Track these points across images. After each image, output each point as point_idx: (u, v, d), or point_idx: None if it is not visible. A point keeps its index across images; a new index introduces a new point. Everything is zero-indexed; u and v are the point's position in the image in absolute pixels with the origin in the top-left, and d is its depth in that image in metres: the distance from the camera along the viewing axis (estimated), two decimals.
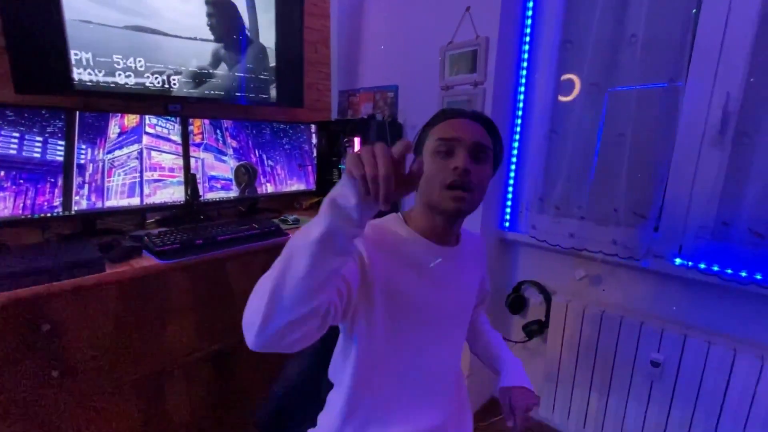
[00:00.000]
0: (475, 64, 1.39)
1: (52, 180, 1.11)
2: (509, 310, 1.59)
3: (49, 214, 1.12)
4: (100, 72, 1.19)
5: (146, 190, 1.30)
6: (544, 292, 1.50)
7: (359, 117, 1.77)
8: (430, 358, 0.72)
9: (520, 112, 1.51)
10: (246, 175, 1.55)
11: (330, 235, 0.47)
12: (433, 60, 1.51)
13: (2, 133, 1.01)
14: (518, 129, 1.53)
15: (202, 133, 1.41)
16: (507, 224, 1.60)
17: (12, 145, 1.03)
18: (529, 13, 1.43)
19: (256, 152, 1.56)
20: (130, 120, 1.24)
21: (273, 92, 1.62)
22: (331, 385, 0.75)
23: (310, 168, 1.76)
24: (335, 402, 0.71)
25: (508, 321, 1.67)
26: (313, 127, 1.73)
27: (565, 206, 1.38)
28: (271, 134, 1.59)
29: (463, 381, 0.86)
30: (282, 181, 1.67)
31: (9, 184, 1.04)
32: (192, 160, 1.39)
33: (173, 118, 1.33)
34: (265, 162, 1.60)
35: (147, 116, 1.27)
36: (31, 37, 1.06)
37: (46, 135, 1.09)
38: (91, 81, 1.18)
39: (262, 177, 1.59)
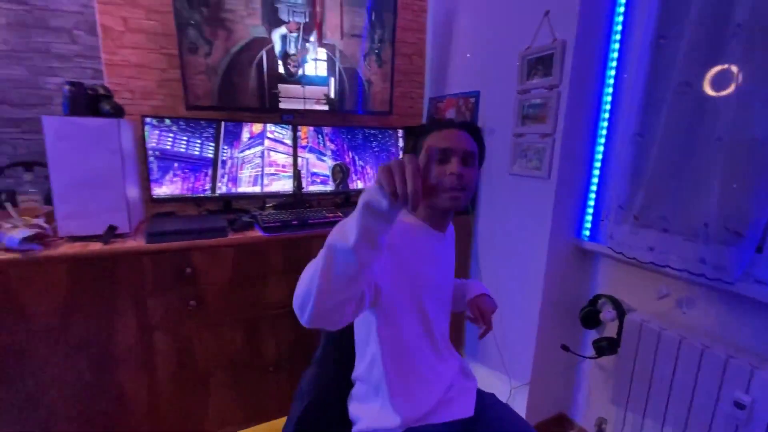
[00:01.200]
0: (552, 68, 1.38)
1: (205, 171, 1.57)
2: (582, 323, 1.51)
3: (201, 195, 1.58)
4: None
5: (265, 181, 1.69)
6: (618, 308, 1.39)
7: None
8: (437, 322, 0.87)
9: (606, 115, 1.43)
10: (340, 173, 1.84)
11: (368, 232, 0.55)
12: (512, 65, 1.55)
13: (177, 136, 1.49)
14: (603, 132, 1.44)
15: (307, 137, 1.75)
16: (587, 233, 1.52)
17: (182, 145, 1.51)
18: (621, 9, 1.35)
19: (350, 154, 1.84)
20: (257, 127, 1.64)
21: (367, 103, 1.88)
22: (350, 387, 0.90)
23: None
24: (367, 381, 0.84)
25: (580, 335, 1.58)
26: (399, 132, 1.93)
27: (646, 216, 1.26)
28: (362, 138, 1.85)
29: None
30: (370, 179, 1.92)
31: (180, 172, 1.52)
32: (299, 160, 1.74)
33: (287, 126, 1.69)
34: (357, 162, 1.87)
35: (268, 124, 1.65)
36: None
37: (203, 138, 1.54)
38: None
39: (353, 175, 1.87)
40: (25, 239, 1.08)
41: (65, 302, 1.14)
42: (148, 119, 1.45)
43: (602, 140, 1.45)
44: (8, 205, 1.22)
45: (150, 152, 1.47)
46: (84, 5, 1.43)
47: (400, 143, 1.94)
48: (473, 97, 1.76)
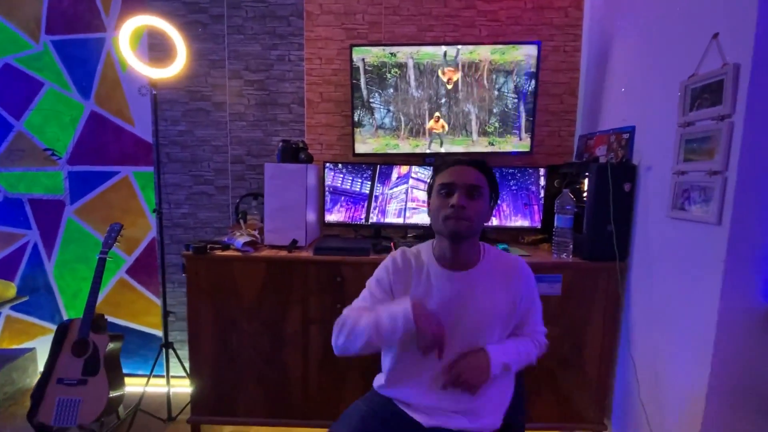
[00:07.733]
0: (722, 96, 1.18)
1: (362, 204, 1.95)
2: None
3: (358, 222, 1.96)
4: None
5: (407, 214, 1.96)
6: None
7: (590, 159, 1.78)
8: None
9: None
10: None
11: (385, 342, 0.90)
12: (672, 96, 1.38)
13: (345, 177, 1.92)
14: None
15: None
16: None
17: (347, 183, 1.93)
18: None
19: None
20: (404, 169, 1.94)
21: (509, 143, 1.95)
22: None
23: (535, 207, 1.93)
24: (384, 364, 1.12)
25: None
26: (541, 171, 1.90)
27: None
28: (499, 177, 1.92)
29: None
30: (507, 217, 1.95)
31: (344, 204, 1.94)
32: None
33: (428, 167, 1.93)
34: None
35: (413, 166, 1.93)
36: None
37: (363, 178, 1.94)
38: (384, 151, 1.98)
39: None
40: (245, 244, 1.62)
41: (261, 290, 1.63)
42: (327, 164, 1.93)
43: None
44: (241, 222, 1.83)
45: (327, 188, 1.94)
46: (298, 87, 2.06)
47: (542, 182, 1.91)
48: (627, 133, 1.61)
